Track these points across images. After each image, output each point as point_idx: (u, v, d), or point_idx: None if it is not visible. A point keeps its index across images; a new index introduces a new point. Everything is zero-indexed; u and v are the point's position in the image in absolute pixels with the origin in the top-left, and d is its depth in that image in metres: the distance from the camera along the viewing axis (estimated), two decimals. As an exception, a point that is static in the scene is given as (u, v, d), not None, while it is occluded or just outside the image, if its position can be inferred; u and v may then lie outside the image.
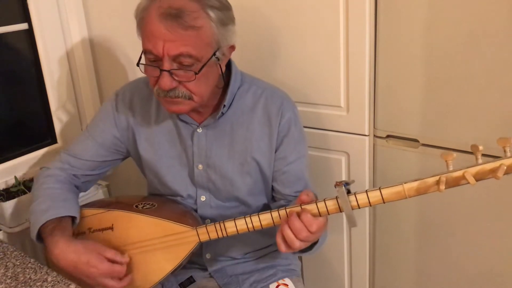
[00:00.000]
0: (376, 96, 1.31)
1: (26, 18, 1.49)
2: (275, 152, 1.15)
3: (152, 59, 1.00)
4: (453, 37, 1.15)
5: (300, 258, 1.39)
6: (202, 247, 1.22)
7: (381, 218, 1.44)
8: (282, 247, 0.94)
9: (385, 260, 1.48)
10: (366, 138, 1.35)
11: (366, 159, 1.37)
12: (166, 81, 0.98)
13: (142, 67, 1.03)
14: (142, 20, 1.00)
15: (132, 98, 1.20)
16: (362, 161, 1.38)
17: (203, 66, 0.99)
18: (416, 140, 1.29)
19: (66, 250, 1.02)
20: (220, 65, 1.05)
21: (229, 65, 1.15)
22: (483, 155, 0.82)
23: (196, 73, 0.98)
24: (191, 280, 1.24)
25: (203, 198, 1.19)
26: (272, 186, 1.19)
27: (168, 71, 0.97)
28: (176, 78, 0.99)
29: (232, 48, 1.08)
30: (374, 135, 1.35)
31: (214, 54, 1.01)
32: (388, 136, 1.34)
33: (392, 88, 1.28)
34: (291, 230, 0.92)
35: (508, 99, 1.12)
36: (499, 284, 1.28)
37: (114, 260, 1.05)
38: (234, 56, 1.47)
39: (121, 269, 1.05)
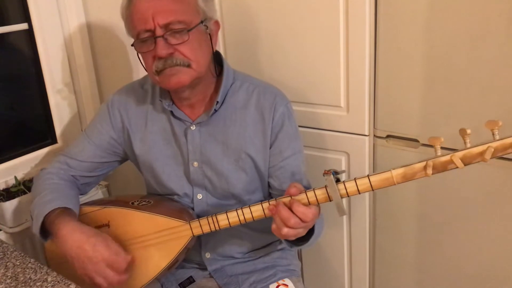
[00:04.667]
0: (376, 96, 1.31)
1: (26, 18, 1.49)
2: (270, 148, 1.15)
3: (145, 39, 1.04)
4: (453, 37, 1.15)
5: (300, 258, 1.39)
6: (201, 246, 1.22)
7: (381, 218, 1.44)
8: (277, 233, 0.96)
9: (385, 260, 1.48)
10: (366, 138, 1.35)
11: (366, 159, 1.37)
12: (162, 47, 1.02)
13: (138, 48, 1.06)
14: (129, 15, 1.06)
15: (127, 100, 1.22)
16: (362, 161, 1.38)
17: (194, 27, 1.04)
18: (416, 140, 1.29)
19: (76, 230, 1.04)
20: (211, 39, 1.10)
21: (221, 62, 1.17)
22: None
23: (188, 30, 1.02)
24: (190, 280, 1.24)
25: (199, 196, 1.19)
26: (269, 182, 1.19)
27: (162, 36, 1.01)
28: (171, 43, 1.02)
29: (217, 24, 1.13)
30: (374, 135, 1.35)
31: (202, 22, 1.06)
32: (388, 136, 1.34)
33: (392, 88, 1.28)
34: (280, 219, 0.94)
35: (508, 99, 1.12)
36: (499, 284, 1.28)
37: (118, 252, 1.05)
38: (233, 56, 1.48)
39: (122, 262, 1.05)
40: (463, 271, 1.33)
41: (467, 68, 1.15)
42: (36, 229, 1.09)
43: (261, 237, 1.26)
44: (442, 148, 0.84)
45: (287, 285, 1.20)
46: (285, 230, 0.93)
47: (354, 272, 1.54)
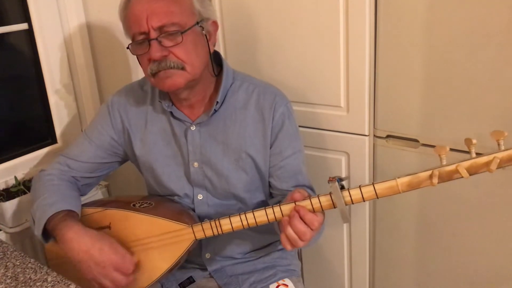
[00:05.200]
0: (376, 96, 1.31)
1: (26, 18, 1.49)
2: (270, 148, 1.15)
3: (140, 41, 1.04)
4: (453, 37, 1.15)
5: (300, 258, 1.39)
6: (201, 246, 1.22)
7: (381, 218, 1.44)
8: (288, 247, 0.95)
9: (385, 260, 1.48)
10: (366, 138, 1.35)
11: (366, 159, 1.37)
12: (156, 49, 1.02)
13: (133, 51, 1.06)
14: (125, 17, 1.06)
15: (127, 100, 1.22)
16: (362, 161, 1.38)
17: (188, 29, 1.03)
18: (416, 140, 1.29)
19: (82, 234, 1.04)
20: (207, 40, 1.09)
21: (220, 62, 1.18)
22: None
23: (182, 32, 1.02)
24: (190, 280, 1.24)
25: (200, 197, 1.19)
26: (269, 182, 1.19)
27: (156, 39, 1.01)
28: (164, 45, 1.02)
29: (215, 24, 1.12)
30: (374, 135, 1.35)
31: (198, 23, 1.06)
32: (388, 136, 1.34)
33: (392, 88, 1.28)
34: (295, 233, 0.92)
35: (508, 99, 1.12)
36: (499, 284, 1.28)
37: (124, 256, 1.05)
38: (233, 56, 1.48)
39: (130, 265, 1.05)
40: (463, 271, 1.33)
41: (467, 68, 1.15)
42: (38, 232, 1.09)
43: (261, 237, 1.26)
44: (442, 147, 0.84)
45: (287, 285, 1.20)
46: (302, 244, 0.93)
47: (354, 272, 1.54)
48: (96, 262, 1.02)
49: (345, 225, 1.49)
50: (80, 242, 1.03)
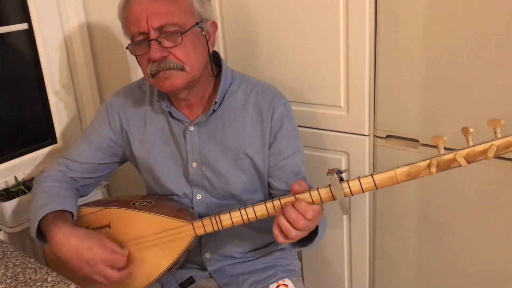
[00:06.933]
0: (376, 96, 1.31)
1: (26, 18, 1.49)
2: (269, 148, 1.15)
3: (140, 41, 1.04)
4: (453, 37, 1.15)
5: (300, 258, 1.39)
6: (201, 246, 1.22)
7: (381, 217, 1.44)
8: (280, 238, 0.94)
9: (385, 260, 1.48)
10: (366, 138, 1.35)
11: (366, 159, 1.37)
12: (156, 50, 1.02)
13: (132, 51, 1.06)
14: (125, 17, 1.06)
15: (125, 101, 1.22)
16: (362, 161, 1.38)
17: (188, 30, 1.03)
18: (416, 140, 1.29)
19: (70, 235, 1.04)
20: (207, 41, 1.09)
21: (219, 63, 1.18)
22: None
23: (182, 33, 1.02)
24: (190, 281, 1.24)
25: (198, 197, 1.19)
26: (269, 182, 1.19)
27: (156, 39, 1.01)
28: (164, 46, 1.02)
29: (214, 25, 1.12)
30: (374, 135, 1.35)
31: (197, 24, 1.06)
32: (388, 136, 1.34)
33: (392, 88, 1.28)
34: (287, 220, 0.92)
35: (508, 99, 1.12)
36: (499, 284, 1.28)
37: (114, 251, 1.06)
38: (233, 56, 1.48)
39: (120, 259, 1.06)
40: (463, 271, 1.33)
41: (467, 68, 1.15)
42: (33, 234, 1.09)
43: (261, 237, 1.26)
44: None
45: (287, 285, 1.20)
46: (294, 233, 0.92)
47: (354, 272, 1.54)
48: (86, 261, 1.03)
49: (345, 225, 1.49)
50: (69, 243, 1.03)
